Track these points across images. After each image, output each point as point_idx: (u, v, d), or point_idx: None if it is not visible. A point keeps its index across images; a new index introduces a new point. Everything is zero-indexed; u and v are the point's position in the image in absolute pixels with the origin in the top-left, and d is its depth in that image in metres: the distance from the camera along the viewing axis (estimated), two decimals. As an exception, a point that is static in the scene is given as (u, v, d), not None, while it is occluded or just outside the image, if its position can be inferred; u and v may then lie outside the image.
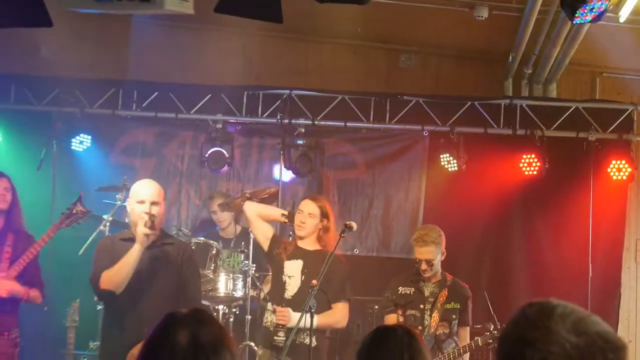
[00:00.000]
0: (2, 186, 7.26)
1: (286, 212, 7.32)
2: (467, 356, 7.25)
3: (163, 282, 5.95)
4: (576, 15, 5.88)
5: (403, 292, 7.31)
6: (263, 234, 7.26)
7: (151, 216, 5.87)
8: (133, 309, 5.86)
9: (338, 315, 6.95)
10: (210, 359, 2.55)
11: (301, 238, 7.10)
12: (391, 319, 7.29)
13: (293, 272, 6.97)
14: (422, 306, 7.22)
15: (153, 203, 5.94)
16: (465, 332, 7.32)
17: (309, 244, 7.11)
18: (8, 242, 7.15)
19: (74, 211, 7.05)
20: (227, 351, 2.60)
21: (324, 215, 7.09)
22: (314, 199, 7.24)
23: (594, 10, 5.84)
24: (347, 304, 7.05)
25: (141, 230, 5.82)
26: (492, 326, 7.04)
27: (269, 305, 7.07)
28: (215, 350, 2.57)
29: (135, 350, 5.65)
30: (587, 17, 5.93)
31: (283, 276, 6.99)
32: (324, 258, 6.87)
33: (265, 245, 7.23)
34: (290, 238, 7.60)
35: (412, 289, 7.30)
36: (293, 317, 6.68)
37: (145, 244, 5.86)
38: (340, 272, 6.90)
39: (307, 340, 6.63)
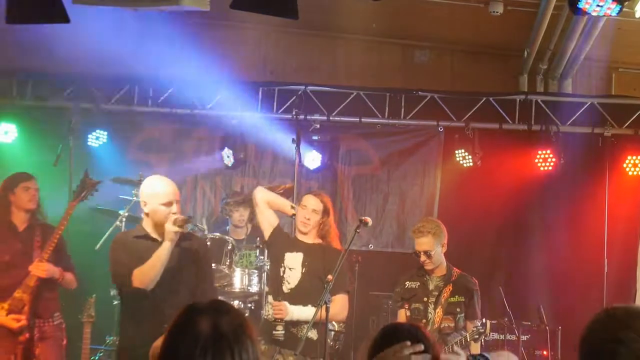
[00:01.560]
0: (34, 187, 7.56)
1: (295, 206, 7.32)
2: (477, 347, 7.19)
3: (183, 278, 5.97)
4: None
5: (409, 286, 7.35)
6: (268, 221, 7.23)
7: (180, 215, 5.95)
8: (154, 304, 5.87)
9: (337, 307, 6.92)
10: (232, 347, 2.58)
11: (304, 233, 7.09)
12: (401, 314, 7.35)
13: (294, 264, 6.96)
14: (425, 299, 7.24)
15: (176, 202, 5.99)
16: (473, 325, 7.28)
17: (309, 238, 7.09)
18: (37, 233, 7.48)
19: (87, 184, 7.20)
20: (248, 339, 2.62)
21: (325, 211, 7.06)
22: (317, 195, 7.22)
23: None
24: (346, 295, 7.05)
25: (171, 228, 5.82)
26: (480, 322, 7.00)
27: (270, 298, 7.09)
28: (237, 338, 2.60)
29: (158, 342, 5.67)
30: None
31: (282, 268, 6.98)
32: (324, 251, 6.91)
33: (268, 232, 7.22)
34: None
35: (418, 283, 7.32)
36: (290, 310, 6.70)
37: (175, 241, 5.88)
38: (341, 265, 6.75)
39: (309, 334, 6.64)
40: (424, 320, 7.10)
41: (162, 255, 5.86)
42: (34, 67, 9.92)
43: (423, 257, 7.21)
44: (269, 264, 8.11)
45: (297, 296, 6.79)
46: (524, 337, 8.56)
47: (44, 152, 9.41)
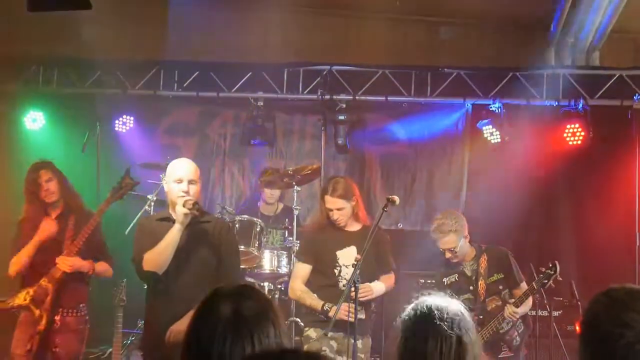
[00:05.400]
0: (44, 179, 7.41)
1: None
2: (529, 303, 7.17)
3: (201, 260, 5.95)
4: None
5: (449, 281, 7.31)
6: (304, 278, 7.03)
7: (190, 196, 5.87)
8: (172, 287, 5.89)
9: (388, 285, 7.00)
10: (252, 332, 2.58)
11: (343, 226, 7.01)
12: None
13: (349, 260, 6.85)
14: (471, 287, 7.21)
15: (190, 182, 5.91)
16: (521, 291, 7.16)
17: (352, 226, 7.01)
18: (71, 222, 7.39)
19: (123, 184, 7.17)
20: (270, 324, 2.63)
21: (348, 198, 6.91)
22: (333, 191, 6.90)
23: None
24: (392, 274, 7.11)
25: (181, 210, 5.81)
26: (550, 264, 6.98)
27: (326, 305, 6.74)
28: (258, 322, 2.61)
29: (175, 326, 5.71)
30: None
31: (337, 269, 6.87)
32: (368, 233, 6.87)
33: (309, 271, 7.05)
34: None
35: (456, 275, 7.29)
36: (374, 288, 6.82)
37: (185, 224, 5.85)
38: (387, 245, 6.99)
39: (358, 314, 6.56)
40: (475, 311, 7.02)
41: (171, 238, 5.84)
42: (60, 54, 9.96)
43: (448, 254, 7.23)
44: (297, 245, 8.06)
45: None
46: (555, 313, 8.51)
47: (71, 139, 9.46)
